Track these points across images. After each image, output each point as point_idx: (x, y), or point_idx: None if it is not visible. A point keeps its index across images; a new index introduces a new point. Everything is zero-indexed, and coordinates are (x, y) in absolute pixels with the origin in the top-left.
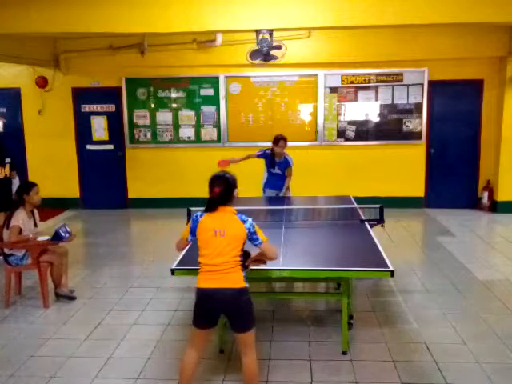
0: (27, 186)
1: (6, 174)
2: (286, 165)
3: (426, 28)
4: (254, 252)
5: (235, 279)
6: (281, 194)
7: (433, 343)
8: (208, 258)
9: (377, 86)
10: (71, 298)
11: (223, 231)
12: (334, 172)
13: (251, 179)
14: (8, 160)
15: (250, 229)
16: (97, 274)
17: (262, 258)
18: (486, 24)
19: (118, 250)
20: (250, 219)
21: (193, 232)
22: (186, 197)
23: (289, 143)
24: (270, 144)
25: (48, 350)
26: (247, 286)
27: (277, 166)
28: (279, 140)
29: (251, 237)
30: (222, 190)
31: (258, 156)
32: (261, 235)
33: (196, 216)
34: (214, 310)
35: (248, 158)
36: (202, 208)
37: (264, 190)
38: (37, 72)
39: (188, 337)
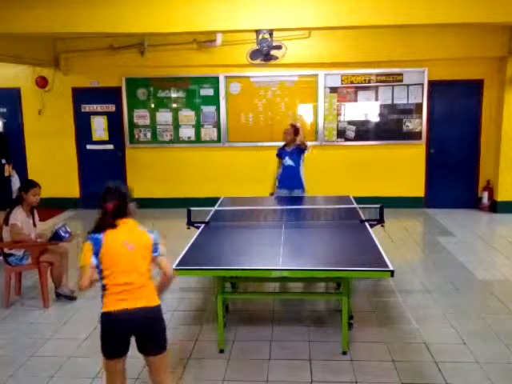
0: (27, 185)
1: (10, 173)
2: (298, 152)
3: (426, 28)
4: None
5: (149, 296)
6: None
7: (433, 343)
8: (117, 277)
9: (377, 86)
10: (72, 298)
11: (132, 244)
12: (334, 172)
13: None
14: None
15: (155, 239)
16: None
17: (160, 287)
18: (486, 24)
19: None
20: (155, 231)
21: (97, 254)
22: (185, 197)
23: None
24: (270, 144)
25: (48, 350)
26: (160, 302)
27: (287, 157)
28: (288, 127)
29: (154, 247)
30: (116, 205)
31: (277, 156)
32: (162, 248)
33: (94, 236)
34: (127, 334)
35: (280, 165)
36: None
37: (277, 189)
38: (37, 72)
39: (104, 368)
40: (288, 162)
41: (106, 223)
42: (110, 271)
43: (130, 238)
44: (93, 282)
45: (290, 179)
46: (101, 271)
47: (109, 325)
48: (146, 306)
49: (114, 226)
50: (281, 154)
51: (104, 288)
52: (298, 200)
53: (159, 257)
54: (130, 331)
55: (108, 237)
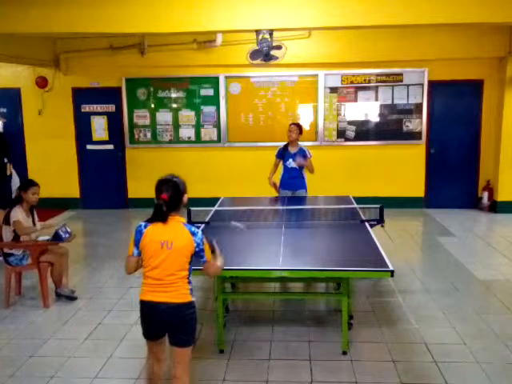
0: (26, 184)
1: (11, 172)
2: (303, 155)
3: (426, 28)
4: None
5: (180, 293)
6: (296, 162)
7: (433, 343)
8: (152, 271)
9: (377, 86)
10: (72, 298)
11: (170, 243)
12: (334, 172)
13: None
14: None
15: (199, 244)
16: (97, 274)
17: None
18: (486, 24)
19: (118, 250)
20: (200, 231)
21: (137, 245)
22: None
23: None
24: (270, 144)
25: (48, 350)
26: (194, 299)
27: (291, 158)
28: (290, 125)
29: (198, 253)
30: (171, 195)
31: (277, 156)
32: (207, 253)
33: (140, 227)
34: (157, 323)
35: (276, 166)
36: (202, 208)
37: (279, 190)
38: (37, 72)
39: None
40: (292, 164)
41: (157, 214)
42: (147, 264)
43: (171, 237)
44: (138, 268)
45: (293, 180)
46: (142, 260)
47: (141, 311)
48: (170, 301)
49: (164, 219)
50: (283, 155)
51: (143, 276)
52: (300, 200)
53: (204, 263)
54: (155, 321)
55: (149, 231)
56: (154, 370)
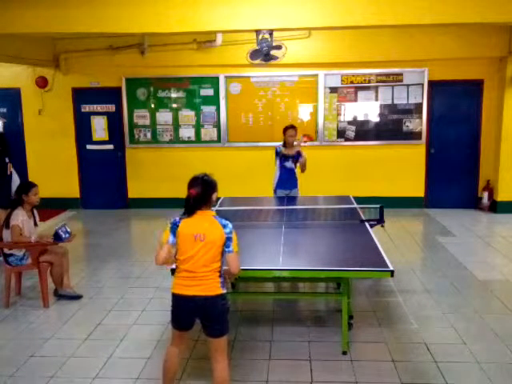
0: (27, 186)
1: (11, 172)
2: (297, 156)
3: (426, 28)
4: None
5: (212, 286)
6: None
7: (433, 343)
8: (186, 264)
9: (377, 86)
10: (77, 297)
11: (203, 236)
12: (334, 172)
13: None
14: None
15: (228, 234)
16: (97, 274)
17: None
18: (486, 24)
19: (118, 250)
20: (230, 224)
21: (174, 234)
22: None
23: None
24: (270, 144)
25: (48, 350)
26: (225, 291)
27: (290, 159)
28: (287, 129)
29: (225, 243)
30: (199, 192)
31: (277, 156)
32: (234, 245)
33: (175, 220)
34: (188, 316)
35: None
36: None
37: (275, 191)
38: (37, 72)
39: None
40: (290, 165)
41: (186, 208)
42: (181, 257)
43: (202, 229)
44: (168, 260)
45: (289, 180)
46: (176, 253)
47: (173, 303)
48: (202, 294)
49: (190, 214)
50: (283, 155)
51: (175, 269)
52: (298, 200)
53: (228, 253)
54: (188, 314)
55: (183, 224)
56: (171, 352)
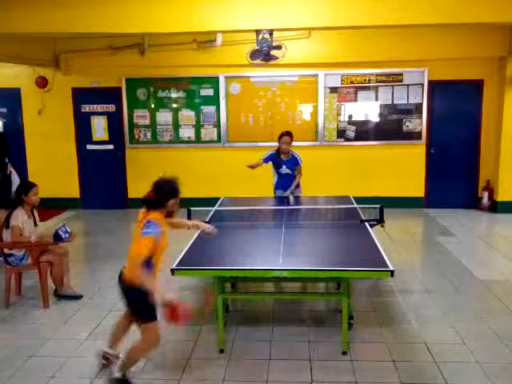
0: (26, 186)
1: (10, 171)
2: (294, 162)
3: (426, 28)
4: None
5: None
6: (287, 193)
7: (433, 343)
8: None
9: (377, 86)
10: (77, 297)
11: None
12: (334, 172)
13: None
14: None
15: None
16: (97, 274)
17: None
18: (486, 24)
19: (118, 250)
20: (150, 229)
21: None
22: (185, 197)
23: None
24: (270, 144)
25: (48, 350)
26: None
27: (284, 165)
28: (283, 135)
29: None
30: (152, 196)
31: (265, 160)
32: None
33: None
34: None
35: (258, 165)
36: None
37: (275, 192)
38: (37, 72)
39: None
40: (286, 170)
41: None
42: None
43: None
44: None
45: (288, 183)
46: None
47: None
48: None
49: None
50: (276, 161)
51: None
52: (298, 200)
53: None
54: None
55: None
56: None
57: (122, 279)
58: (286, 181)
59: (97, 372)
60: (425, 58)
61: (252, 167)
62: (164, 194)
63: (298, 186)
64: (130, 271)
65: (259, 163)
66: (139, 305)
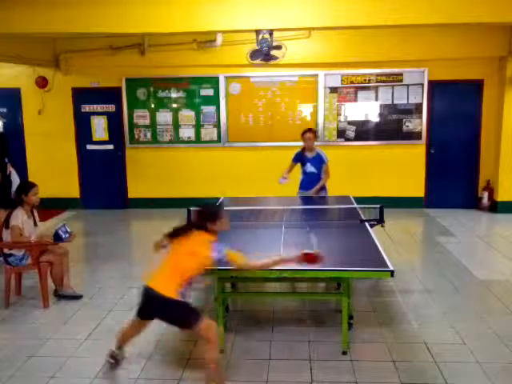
0: (26, 186)
1: (10, 171)
2: (320, 160)
3: (426, 28)
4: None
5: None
6: (309, 193)
7: (433, 343)
8: None
9: (377, 86)
10: (77, 297)
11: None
12: (334, 172)
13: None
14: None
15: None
16: (97, 274)
17: None
18: (486, 24)
19: (118, 250)
20: (223, 253)
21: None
22: (186, 197)
23: (289, 143)
24: (270, 144)
25: (48, 350)
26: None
27: (309, 163)
28: (305, 132)
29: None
30: (199, 218)
31: (293, 160)
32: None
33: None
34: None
35: (291, 168)
36: None
37: (298, 192)
38: (37, 72)
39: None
40: (310, 168)
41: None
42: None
43: None
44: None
45: (313, 184)
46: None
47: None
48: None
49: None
50: (301, 159)
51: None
52: (299, 200)
53: None
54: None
55: None
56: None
57: (153, 295)
58: (311, 180)
59: (97, 372)
60: (425, 58)
61: (285, 179)
62: (214, 218)
63: (323, 188)
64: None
65: (290, 167)
66: (183, 312)
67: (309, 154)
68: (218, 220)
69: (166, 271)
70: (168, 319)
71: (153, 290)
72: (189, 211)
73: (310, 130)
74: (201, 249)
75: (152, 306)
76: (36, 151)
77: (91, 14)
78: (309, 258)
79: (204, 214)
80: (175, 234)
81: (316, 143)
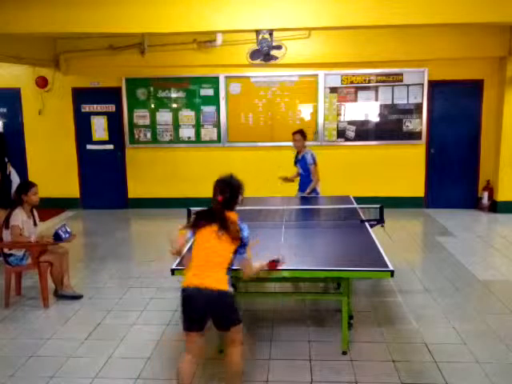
0: (26, 186)
1: (10, 171)
2: (305, 162)
3: (426, 28)
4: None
5: (220, 280)
6: (304, 194)
7: (433, 343)
8: (199, 257)
9: (377, 86)
10: (77, 297)
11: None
12: (334, 172)
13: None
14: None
15: (244, 239)
16: (97, 274)
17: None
18: (486, 24)
19: (118, 250)
20: (247, 230)
21: (193, 232)
22: (186, 197)
23: (289, 143)
24: (270, 144)
25: (48, 349)
26: (231, 289)
27: (299, 164)
28: (293, 133)
29: (240, 248)
30: (226, 197)
31: (295, 164)
32: (248, 251)
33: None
34: (199, 310)
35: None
36: (202, 208)
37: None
38: (37, 72)
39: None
40: (300, 170)
41: (213, 215)
42: (194, 250)
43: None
44: (183, 248)
45: (304, 185)
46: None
47: (182, 300)
48: (211, 287)
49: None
50: (295, 161)
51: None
52: (299, 200)
53: (242, 259)
54: (198, 308)
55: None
56: (184, 364)
57: (207, 294)
58: (303, 181)
59: (97, 372)
60: (425, 58)
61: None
62: (238, 192)
63: (314, 190)
64: (247, 273)
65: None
66: (233, 307)
67: (299, 156)
68: (242, 194)
69: (209, 263)
70: (221, 313)
71: (206, 290)
72: (189, 211)
73: (298, 131)
74: (239, 232)
75: (208, 304)
76: (36, 151)
77: (91, 14)
78: (270, 266)
79: (235, 189)
80: (207, 220)
81: (316, 143)
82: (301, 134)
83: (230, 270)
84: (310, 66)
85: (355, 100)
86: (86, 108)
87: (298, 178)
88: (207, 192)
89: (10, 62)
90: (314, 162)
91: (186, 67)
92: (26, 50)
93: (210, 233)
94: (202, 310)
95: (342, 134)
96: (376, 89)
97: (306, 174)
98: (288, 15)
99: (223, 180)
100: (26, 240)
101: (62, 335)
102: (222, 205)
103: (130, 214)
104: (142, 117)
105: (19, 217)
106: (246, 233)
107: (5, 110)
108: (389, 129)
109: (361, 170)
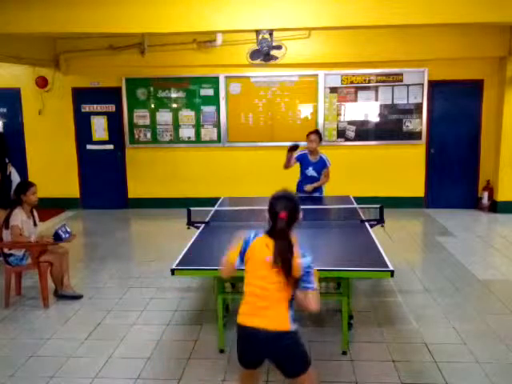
0: (24, 186)
1: (10, 171)
2: (322, 165)
3: (426, 28)
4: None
5: (280, 319)
6: (305, 188)
7: (433, 343)
8: (251, 286)
9: (377, 86)
10: (77, 297)
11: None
12: (334, 172)
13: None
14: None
15: (306, 268)
16: (97, 274)
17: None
18: (486, 24)
19: (118, 250)
20: (310, 257)
21: (242, 254)
22: (185, 197)
23: (288, 143)
24: (270, 144)
25: (48, 350)
26: (294, 327)
27: (311, 167)
28: (310, 133)
29: (304, 278)
30: (290, 213)
31: (297, 158)
32: (316, 280)
33: (249, 237)
34: (253, 352)
35: (291, 161)
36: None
37: (297, 193)
38: (37, 72)
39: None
40: (311, 172)
41: (278, 234)
42: (247, 279)
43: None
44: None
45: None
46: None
47: (238, 336)
48: (267, 328)
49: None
50: (303, 161)
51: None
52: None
53: (306, 290)
54: (252, 350)
55: (257, 241)
56: None
57: (264, 336)
58: (310, 183)
59: (97, 372)
60: (425, 58)
61: (288, 164)
62: (299, 207)
63: (319, 189)
64: (309, 306)
65: (289, 160)
66: (298, 350)
67: (312, 158)
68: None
69: (269, 299)
70: (284, 358)
71: (264, 331)
72: (189, 211)
73: (316, 131)
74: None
75: (266, 348)
76: (36, 151)
77: (91, 14)
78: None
79: (298, 203)
80: (284, 254)
81: None
82: (317, 134)
83: (291, 303)
84: (310, 66)
85: (355, 100)
86: (86, 108)
87: (299, 177)
88: (207, 192)
89: (9, 62)
90: (330, 165)
91: (185, 67)
92: (26, 50)
93: (263, 257)
94: (259, 354)
95: (342, 134)
96: (376, 89)
97: (318, 176)
98: (288, 15)
99: (282, 195)
100: (26, 240)
101: (62, 335)
102: (287, 222)
103: (130, 214)
104: (141, 117)
105: (19, 217)
106: (309, 259)
107: (5, 110)
108: (389, 129)
109: (361, 170)
